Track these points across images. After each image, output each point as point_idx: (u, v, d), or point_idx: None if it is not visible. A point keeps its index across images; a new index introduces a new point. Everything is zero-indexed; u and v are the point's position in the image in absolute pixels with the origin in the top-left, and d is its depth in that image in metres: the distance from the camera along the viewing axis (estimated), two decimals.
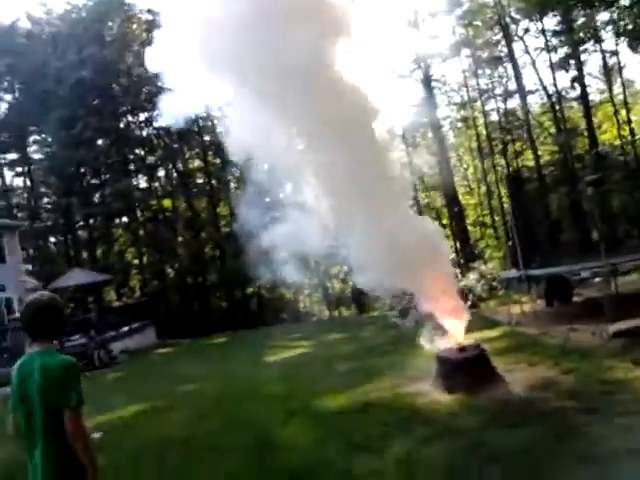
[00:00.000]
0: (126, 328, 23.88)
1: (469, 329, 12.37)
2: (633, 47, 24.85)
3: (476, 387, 6.93)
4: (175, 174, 38.40)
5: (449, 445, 5.40)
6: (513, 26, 32.36)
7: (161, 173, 38.71)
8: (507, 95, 35.83)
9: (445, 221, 37.80)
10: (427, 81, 34.82)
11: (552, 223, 19.51)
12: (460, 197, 35.95)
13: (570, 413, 5.65)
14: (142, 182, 38.50)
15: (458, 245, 33.80)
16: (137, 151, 37.91)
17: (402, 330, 14.46)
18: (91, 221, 36.53)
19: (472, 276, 22.21)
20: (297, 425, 7.22)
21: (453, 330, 7.78)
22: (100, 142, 36.23)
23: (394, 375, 8.95)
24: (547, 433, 5.20)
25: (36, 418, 2.86)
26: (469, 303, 21.98)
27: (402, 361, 10.11)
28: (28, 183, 38.81)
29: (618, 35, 25.33)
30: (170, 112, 9.17)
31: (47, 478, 2.81)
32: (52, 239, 37.40)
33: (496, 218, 35.46)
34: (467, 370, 7.19)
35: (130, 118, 38.29)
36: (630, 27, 22.54)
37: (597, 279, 15.54)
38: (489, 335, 11.46)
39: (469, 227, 35.80)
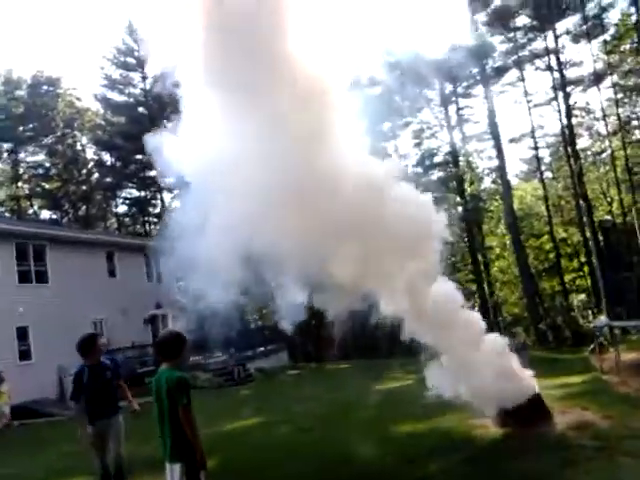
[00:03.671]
0: (262, 348, 26.71)
1: (562, 372, 13.01)
2: None
3: (524, 424, 8.00)
4: None
5: (474, 464, 6.84)
6: None
7: None
8: None
9: (583, 258, 36.50)
10: (567, 110, 34.20)
11: None
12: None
13: (585, 449, 6.69)
14: None
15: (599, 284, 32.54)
16: None
17: None
18: None
19: (602, 318, 21.59)
20: (370, 443, 8.78)
21: None
22: None
23: (471, 410, 9.38)
24: (553, 462, 6.37)
25: (164, 409, 4.75)
26: (591, 347, 21.54)
27: None
28: None
29: None
30: None
31: (169, 443, 4.70)
32: None
33: None
34: (519, 410, 8.26)
35: None
36: None
37: None
38: (573, 380, 12.11)
39: None
